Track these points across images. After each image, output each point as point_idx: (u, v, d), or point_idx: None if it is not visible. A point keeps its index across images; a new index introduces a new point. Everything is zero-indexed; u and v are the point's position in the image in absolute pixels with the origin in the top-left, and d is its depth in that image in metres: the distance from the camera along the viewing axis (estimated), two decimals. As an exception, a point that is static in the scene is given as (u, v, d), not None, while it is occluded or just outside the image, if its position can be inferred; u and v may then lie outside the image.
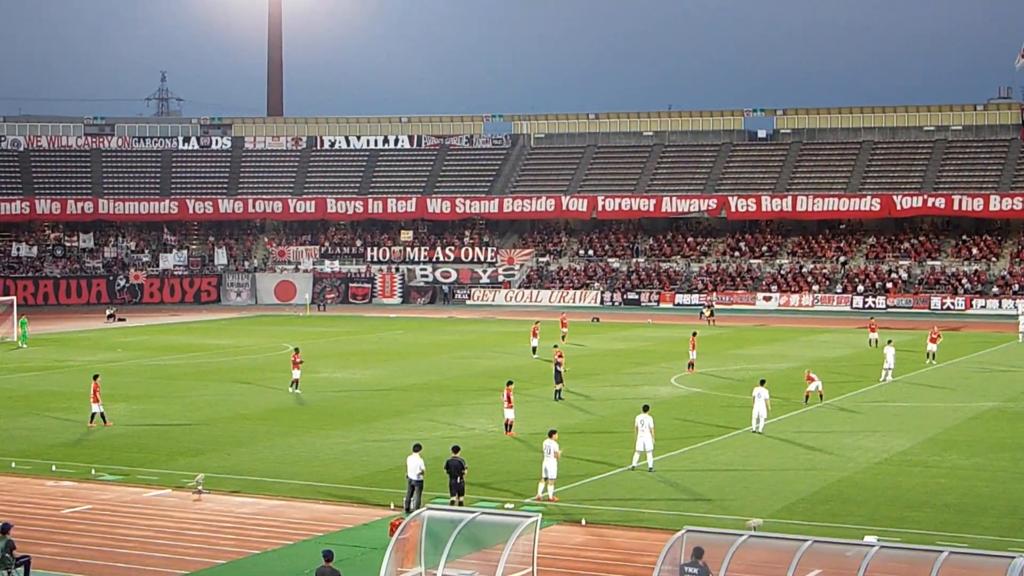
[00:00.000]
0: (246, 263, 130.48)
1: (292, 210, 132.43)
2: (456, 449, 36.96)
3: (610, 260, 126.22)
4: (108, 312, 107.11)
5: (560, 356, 60.83)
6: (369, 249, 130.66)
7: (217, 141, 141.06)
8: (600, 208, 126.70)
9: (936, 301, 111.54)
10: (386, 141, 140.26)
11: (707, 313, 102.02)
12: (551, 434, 38.71)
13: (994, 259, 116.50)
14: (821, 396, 57.05)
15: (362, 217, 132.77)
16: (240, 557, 32.37)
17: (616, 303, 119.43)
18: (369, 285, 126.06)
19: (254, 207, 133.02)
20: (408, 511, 34.42)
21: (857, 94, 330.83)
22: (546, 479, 38.04)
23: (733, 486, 39.97)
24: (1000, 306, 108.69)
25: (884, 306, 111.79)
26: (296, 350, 63.20)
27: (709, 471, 42.29)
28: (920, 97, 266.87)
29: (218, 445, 47.19)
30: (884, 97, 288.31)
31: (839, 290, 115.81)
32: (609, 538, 34.14)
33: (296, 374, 61.24)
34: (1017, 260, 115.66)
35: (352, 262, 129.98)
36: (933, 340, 74.31)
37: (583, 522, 35.41)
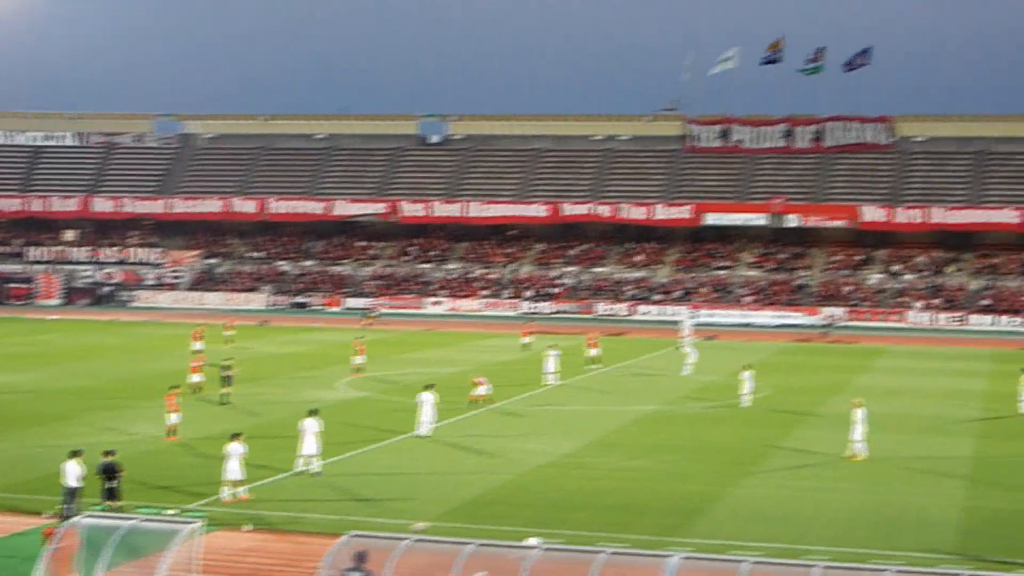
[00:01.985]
0: None
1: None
2: (109, 453, 36.18)
3: (279, 263, 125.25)
4: None
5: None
6: (29, 248, 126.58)
7: None
8: (270, 210, 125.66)
9: (601, 307, 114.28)
10: (49, 137, 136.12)
11: (366, 317, 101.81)
12: (234, 437, 38.24)
13: (658, 266, 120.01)
14: (488, 400, 57.63)
15: (22, 215, 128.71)
16: None
17: (285, 306, 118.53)
18: (28, 286, 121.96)
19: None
20: (65, 519, 33.28)
21: (530, 102, 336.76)
22: (232, 480, 37.65)
23: (400, 489, 39.97)
24: (662, 312, 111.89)
25: (551, 311, 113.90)
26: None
27: (376, 475, 42.20)
28: (590, 107, 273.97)
29: None
30: (556, 106, 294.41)
31: (507, 295, 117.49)
32: (274, 543, 33.67)
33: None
34: (679, 268, 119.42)
35: (10, 262, 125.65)
36: (592, 346, 76.08)
37: (247, 527, 34.83)
